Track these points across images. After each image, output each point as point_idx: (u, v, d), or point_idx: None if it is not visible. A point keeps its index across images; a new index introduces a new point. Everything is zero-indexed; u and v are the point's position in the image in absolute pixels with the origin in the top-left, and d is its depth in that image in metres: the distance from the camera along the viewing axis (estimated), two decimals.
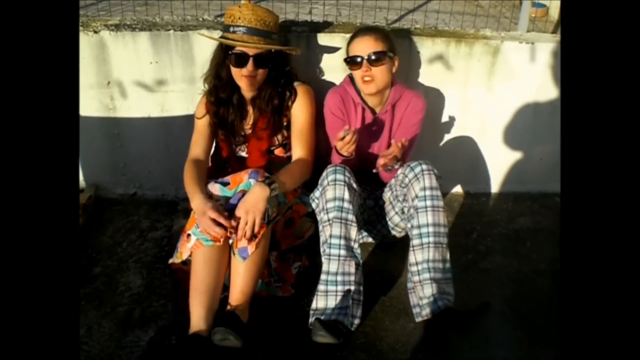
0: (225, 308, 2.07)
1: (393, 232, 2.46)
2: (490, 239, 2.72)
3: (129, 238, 2.62)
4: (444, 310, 2.04)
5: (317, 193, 2.18)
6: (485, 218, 2.87)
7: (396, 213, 2.36)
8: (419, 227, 2.12)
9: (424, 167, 2.13)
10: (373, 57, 2.21)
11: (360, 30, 2.28)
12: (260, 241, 2.07)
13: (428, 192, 2.11)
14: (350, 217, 2.09)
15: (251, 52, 2.12)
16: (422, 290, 2.09)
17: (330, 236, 2.08)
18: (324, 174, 2.15)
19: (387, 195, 2.38)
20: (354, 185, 2.15)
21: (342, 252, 2.08)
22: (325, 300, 2.07)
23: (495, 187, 3.06)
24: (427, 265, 2.09)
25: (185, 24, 2.60)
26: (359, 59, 2.22)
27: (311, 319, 2.06)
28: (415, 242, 2.13)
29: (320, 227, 2.14)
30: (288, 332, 2.12)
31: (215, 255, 2.07)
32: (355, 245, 2.11)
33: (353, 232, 2.10)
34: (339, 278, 2.07)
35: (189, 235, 2.09)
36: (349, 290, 2.07)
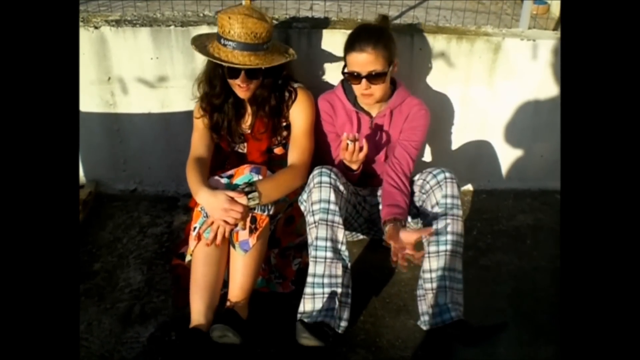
0: (225, 304, 2.08)
1: None
2: (490, 236, 2.72)
3: (129, 234, 2.62)
4: (456, 322, 2.03)
5: (304, 195, 2.16)
6: (486, 215, 2.87)
7: None
8: (437, 234, 2.10)
9: (447, 174, 2.12)
10: (373, 75, 2.14)
11: (359, 41, 2.14)
12: (260, 234, 2.06)
13: (449, 200, 2.10)
14: (337, 219, 2.07)
15: (241, 66, 2.07)
16: (434, 298, 2.08)
17: (316, 238, 2.06)
18: (310, 176, 2.13)
19: None
20: (341, 187, 2.12)
21: (329, 254, 2.05)
22: (312, 302, 2.06)
23: (495, 184, 3.06)
24: (442, 273, 2.08)
25: (186, 19, 2.60)
26: (358, 76, 2.15)
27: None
28: (431, 249, 2.11)
29: (307, 230, 2.12)
30: (288, 329, 2.11)
31: (215, 250, 2.07)
32: (343, 248, 2.09)
33: (340, 234, 2.08)
34: (326, 280, 2.05)
35: (194, 228, 2.08)
36: (335, 293, 2.05)
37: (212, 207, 2.01)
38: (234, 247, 2.07)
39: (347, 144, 2.12)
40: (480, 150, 2.94)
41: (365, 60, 2.12)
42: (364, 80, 2.14)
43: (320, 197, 2.07)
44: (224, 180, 2.09)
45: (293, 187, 2.21)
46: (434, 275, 2.09)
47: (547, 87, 2.76)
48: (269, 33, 2.11)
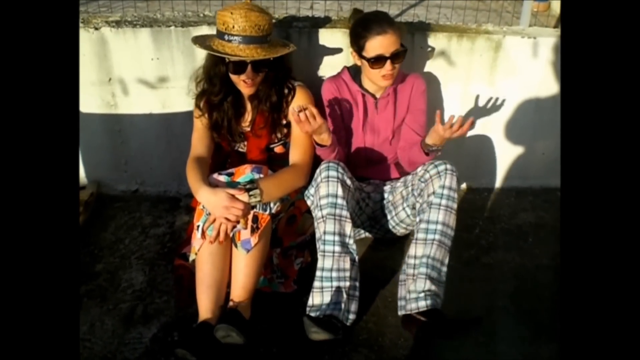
0: (228, 304, 2.08)
1: (396, 229, 2.45)
2: (492, 234, 2.72)
3: (131, 235, 2.62)
4: (431, 310, 2.02)
5: (311, 190, 2.17)
6: (488, 213, 2.87)
7: (404, 209, 2.34)
8: (427, 222, 2.11)
9: (448, 166, 2.13)
10: (396, 56, 2.19)
11: (379, 23, 2.18)
12: (262, 233, 2.07)
13: (446, 191, 2.11)
14: (344, 213, 2.09)
15: (249, 59, 2.08)
16: (414, 284, 2.08)
17: (325, 232, 2.09)
18: (318, 170, 2.15)
19: (399, 190, 2.37)
20: (348, 182, 2.15)
21: (337, 248, 2.08)
22: (321, 296, 2.08)
23: (497, 182, 3.05)
24: (425, 261, 2.09)
25: (186, 20, 2.60)
26: (383, 59, 2.18)
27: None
28: (420, 235, 2.12)
29: (315, 224, 2.14)
30: (290, 328, 2.12)
31: (220, 249, 2.07)
32: (351, 242, 2.11)
33: (347, 228, 2.10)
34: (334, 274, 2.07)
35: (198, 226, 2.08)
36: (344, 286, 2.07)
37: (212, 205, 2.01)
38: (236, 246, 2.08)
39: (299, 117, 2.07)
40: (482, 148, 2.94)
41: (389, 41, 2.17)
42: (388, 62, 2.18)
43: (328, 192, 2.09)
44: (223, 178, 2.09)
45: (295, 187, 2.21)
46: (417, 261, 2.11)
47: (548, 85, 2.75)
48: (270, 26, 2.13)
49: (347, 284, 2.08)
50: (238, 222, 2.03)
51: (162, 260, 2.46)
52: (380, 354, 2.07)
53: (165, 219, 2.74)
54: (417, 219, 2.17)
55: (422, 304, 2.04)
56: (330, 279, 2.07)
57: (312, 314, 2.05)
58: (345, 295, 2.07)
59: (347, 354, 2.05)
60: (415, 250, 2.12)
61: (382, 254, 2.54)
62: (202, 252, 2.08)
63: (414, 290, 2.07)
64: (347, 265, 2.09)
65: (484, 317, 2.13)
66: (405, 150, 2.39)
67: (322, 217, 2.10)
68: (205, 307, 2.04)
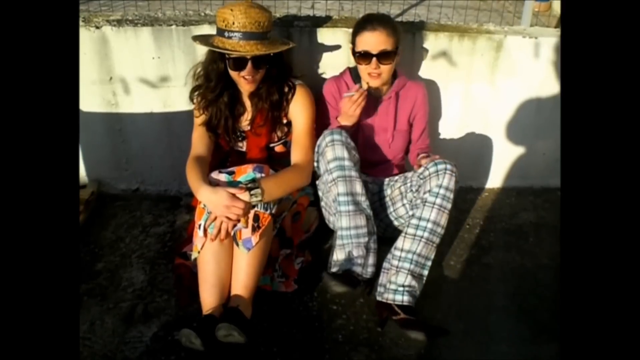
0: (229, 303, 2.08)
1: (395, 225, 2.46)
2: (493, 234, 2.72)
3: (131, 233, 2.62)
4: (405, 306, 2.13)
5: (317, 157, 2.25)
6: (488, 213, 2.87)
7: (403, 205, 2.36)
8: (419, 218, 2.15)
9: (448, 166, 2.15)
10: (383, 55, 2.22)
11: (371, 21, 2.24)
12: (263, 232, 2.07)
13: (442, 191, 2.13)
14: (353, 173, 2.18)
15: (249, 55, 2.10)
16: (395, 276, 2.16)
17: (338, 194, 2.18)
18: (321, 137, 2.22)
19: (397, 185, 2.39)
20: (352, 144, 2.22)
21: (351, 207, 2.18)
22: (343, 252, 2.21)
23: (498, 182, 3.05)
24: (411, 257, 2.15)
25: (187, 19, 2.60)
26: (369, 56, 2.23)
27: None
28: (409, 230, 2.17)
29: (327, 188, 2.23)
30: (291, 328, 2.12)
31: (222, 248, 2.07)
32: (363, 199, 2.21)
33: (358, 186, 2.20)
34: (352, 232, 2.19)
35: (199, 225, 2.08)
36: (361, 242, 2.19)
37: (213, 204, 2.01)
38: (237, 245, 2.08)
39: (353, 94, 2.23)
40: (483, 148, 2.94)
41: (377, 39, 2.22)
42: (374, 60, 2.23)
43: (335, 155, 2.17)
44: (224, 177, 2.09)
45: (296, 186, 2.22)
46: (403, 254, 2.16)
47: (549, 85, 2.75)
48: (270, 22, 2.15)
49: (364, 239, 2.19)
50: (239, 221, 2.03)
51: (163, 259, 2.46)
52: (381, 353, 2.06)
53: (166, 217, 2.74)
54: (410, 213, 2.25)
55: (399, 298, 2.14)
56: (349, 237, 2.19)
57: (334, 269, 2.21)
58: (363, 250, 2.19)
59: (347, 353, 2.05)
60: (403, 243, 2.18)
61: (382, 253, 2.53)
62: (205, 252, 2.07)
63: (395, 282, 2.15)
64: (363, 222, 2.19)
65: (484, 317, 2.14)
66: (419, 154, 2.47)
67: (333, 180, 2.18)
68: (209, 305, 2.03)
